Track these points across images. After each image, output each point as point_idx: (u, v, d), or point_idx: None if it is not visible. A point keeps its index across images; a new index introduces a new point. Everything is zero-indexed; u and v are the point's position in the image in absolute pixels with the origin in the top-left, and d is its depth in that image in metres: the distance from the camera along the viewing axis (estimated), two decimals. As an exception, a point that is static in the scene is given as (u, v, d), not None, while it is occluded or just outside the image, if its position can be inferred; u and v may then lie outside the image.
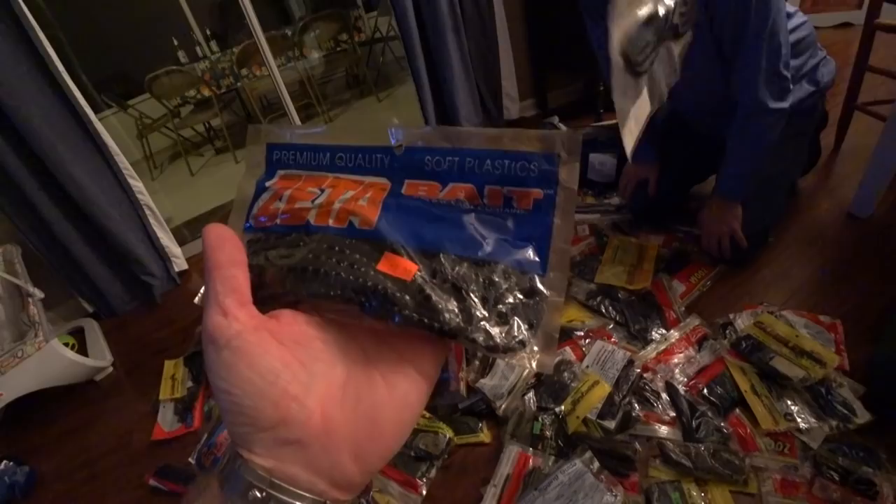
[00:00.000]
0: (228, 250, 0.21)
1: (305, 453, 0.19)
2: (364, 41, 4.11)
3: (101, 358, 1.63)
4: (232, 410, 0.18)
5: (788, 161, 1.29)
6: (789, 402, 0.96)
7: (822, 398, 0.95)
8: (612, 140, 1.74)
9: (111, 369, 1.65)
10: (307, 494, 0.19)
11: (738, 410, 0.99)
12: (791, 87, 1.09)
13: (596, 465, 0.92)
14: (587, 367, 1.12)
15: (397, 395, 0.21)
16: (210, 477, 0.20)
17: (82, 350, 1.68)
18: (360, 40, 4.07)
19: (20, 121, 1.51)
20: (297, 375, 0.19)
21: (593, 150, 1.76)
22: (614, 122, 1.78)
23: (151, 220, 1.93)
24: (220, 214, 2.59)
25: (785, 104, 1.09)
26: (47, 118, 1.58)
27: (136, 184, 1.87)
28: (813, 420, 0.93)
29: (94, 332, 1.79)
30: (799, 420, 0.93)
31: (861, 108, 1.60)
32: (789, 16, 1.14)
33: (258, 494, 0.18)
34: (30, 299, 1.49)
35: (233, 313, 0.19)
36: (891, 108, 1.27)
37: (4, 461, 1.30)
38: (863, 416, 0.91)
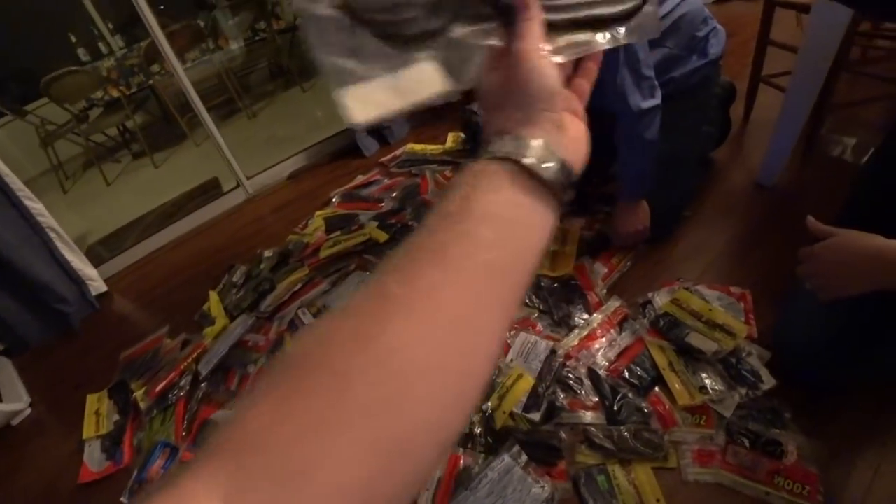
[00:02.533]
0: None
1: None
2: (284, 28, 3.89)
3: (16, 400, 1.51)
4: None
5: (690, 136, 1.31)
6: (703, 376, 1.01)
7: (733, 368, 1.00)
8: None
9: (29, 411, 1.53)
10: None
11: (657, 388, 1.03)
12: (657, 83, 1.11)
13: (524, 457, 0.94)
14: (511, 360, 1.12)
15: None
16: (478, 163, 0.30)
17: (-7, 393, 1.55)
18: (279, 28, 3.87)
19: None
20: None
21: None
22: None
23: (58, 244, 1.78)
24: (141, 227, 2.42)
25: (657, 100, 1.11)
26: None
27: (35, 205, 1.72)
28: (725, 390, 0.98)
29: (6, 372, 1.65)
30: (712, 392, 0.98)
31: (766, 81, 1.66)
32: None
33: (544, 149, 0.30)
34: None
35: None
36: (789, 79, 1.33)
37: None
38: (769, 382, 0.97)
